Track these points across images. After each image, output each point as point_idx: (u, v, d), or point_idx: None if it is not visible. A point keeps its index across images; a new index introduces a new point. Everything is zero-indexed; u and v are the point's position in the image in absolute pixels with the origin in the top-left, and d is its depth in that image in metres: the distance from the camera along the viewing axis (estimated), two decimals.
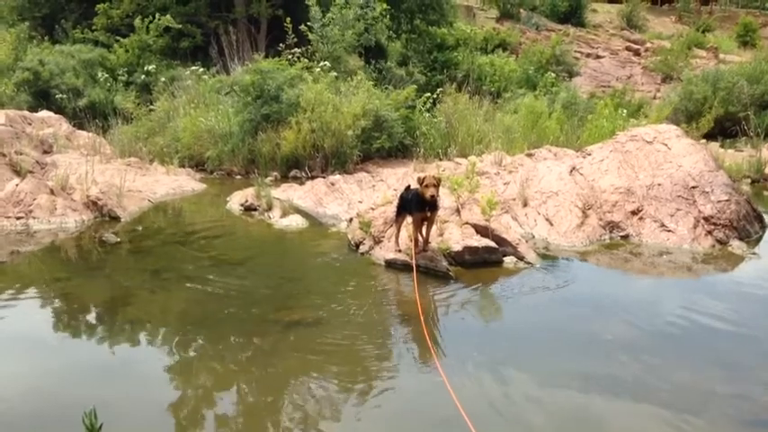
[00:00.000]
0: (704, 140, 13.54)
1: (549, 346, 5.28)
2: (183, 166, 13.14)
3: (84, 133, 14.68)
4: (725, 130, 16.36)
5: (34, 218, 8.85)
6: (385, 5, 16.97)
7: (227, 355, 5.15)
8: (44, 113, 15.31)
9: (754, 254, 7.64)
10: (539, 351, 5.17)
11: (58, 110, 16.43)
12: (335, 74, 13.79)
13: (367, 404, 4.41)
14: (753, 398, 4.49)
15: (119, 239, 8.26)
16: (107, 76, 18.00)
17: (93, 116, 15.96)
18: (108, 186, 9.82)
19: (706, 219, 8.02)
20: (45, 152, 12.29)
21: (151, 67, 17.72)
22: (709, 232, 7.91)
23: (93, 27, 20.87)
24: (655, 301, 6.39)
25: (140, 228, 9.06)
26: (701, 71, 21.67)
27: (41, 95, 17.48)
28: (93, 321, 5.77)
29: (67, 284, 6.77)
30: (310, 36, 15.73)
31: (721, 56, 30.51)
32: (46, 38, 20.84)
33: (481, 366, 4.84)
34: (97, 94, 17.53)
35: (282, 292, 6.67)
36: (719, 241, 7.82)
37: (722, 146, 14.79)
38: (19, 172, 9.81)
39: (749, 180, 11.76)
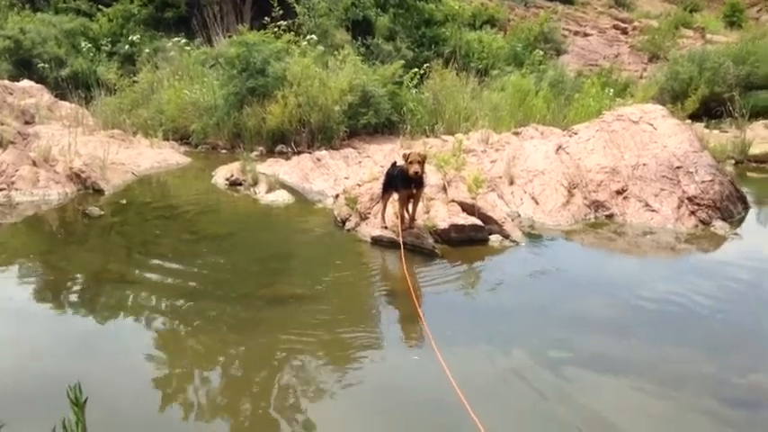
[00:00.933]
0: (689, 121, 13.63)
1: (534, 324, 5.32)
2: (168, 139, 13.03)
3: (66, 104, 14.50)
4: (710, 111, 16.44)
5: (16, 189, 8.75)
6: None
7: (210, 331, 5.14)
8: (25, 83, 15.10)
9: (736, 234, 7.72)
10: (524, 329, 5.20)
11: (40, 80, 16.20)
12: (322, 48, 13.66)
13: (353, 381, 4.42)
14: (733, 376, 4.56)
15: (102, 212, 8.19)
16: (90, 45, 17.74)
17: (76, 87, 15.77)
18: (91, 158, 9.73)
19: (690, 199, 8.08)
20: (27, 123, 12.14)
21: (135, 38, 17.48)
22: (693, 212, 7.97)
23: None
24: (638, 280, 6.44)
25: (124, 201, 8.99)
26: (687, 51, 21.72)
27: (23, 64, 17.22)
28: (76, 295, 5.72)
29: (50, 257, 6.71)
30: (297, 8, 15.56)
31: (708, 36, 30.57)
32: (27, 6, 20.45)
33: (467, 343, 4.87)
34: (80, 64, 17.29)
35: (267, 268, 6.65)
36: (703, 221, 7.89)
37: (707, 126, 14.88)
38: (0, 143, 9.67)
39: (733, 161, 11.85)
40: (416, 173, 6.59)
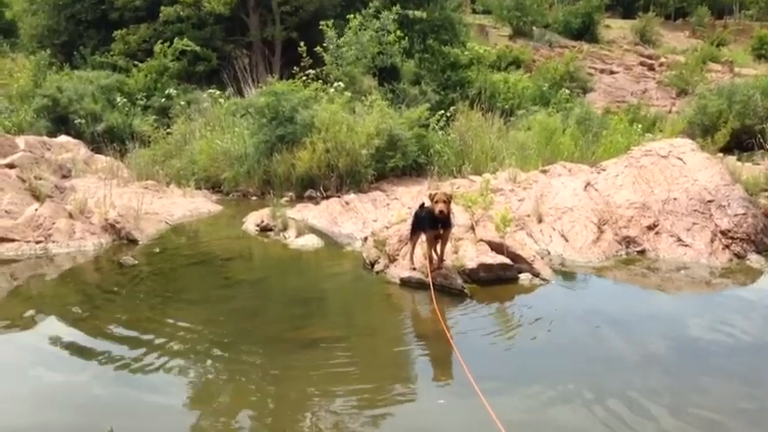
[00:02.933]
0: (721, 154, 13.46)
1: (570, 364, 5.23)
2: (200, 188, 13.27)
3: (102, 157, 14.88)
4: (741, 144, 16.25)
5: (53, 242, 8.95)
6: (399, 30, 17.14)
7: (244, 376, 5.17)
8: (63, 138, 15.56)
9: None
10: (560, 369, 5.11)
11: (77, 135, 16.67)
12: (350, 94, 13.90)
13: (390, 424, 4.39)
14: None
15: (136, 262, 8.34)
16: (125, 100, 18.26)
17: (111, 140, 16.21)
18: (126, 209, 9.94)
19: (723, 233, 7.96)
20: (64, 177, 12.48)
21: (172, 91, 17.95)
22: (727, 246, 7.84)
23: (112, 53, 21.24)
24: (674, 316, 6.32)
25: (158, 249, 9.14)
26: (715, 85, 21.60)
27: (60, 121, 17.75)
28: (111, 345, 5.79)
29: (85, 307, 6.81)
30: (325, 58, 15.89)
31: (736, 69, 30.40)
32: (65, 64, 21.21)
33: (503, 385, 4.81)
34: (115, 118, 17.78)
35: (299, 312, 6.68)
36: (737, 255, 7.75)
37: (739, 159, 14.65)
38: (38, 197, 9.95)
39: (767, 193, 11.63)
40: (441, 212, 6.62)
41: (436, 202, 6.63)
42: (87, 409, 4.74)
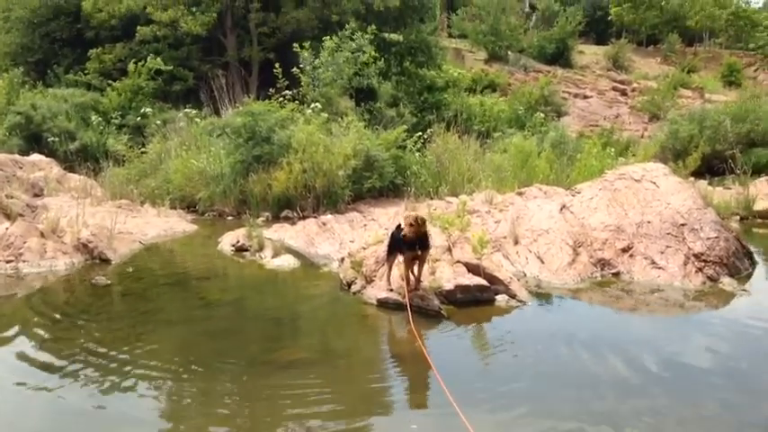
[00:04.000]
0: (692, 178, 13.70)
1: (544, 386, 5.23)
2: (175, 208, 13.16)
3: (75, 176, 14.71)
4: (712, 168, 16.55)
5: (24, 261, 8.80)
6: (375, 51, 17.27)
7: (218, 397, 5.08)
8: (35, 157, 15.37)
9: (744, 290, 7.64)
10: (534, 391, 5.11)
11: (50, 153, 16.49)
12: (326, 115, 13.92)
13: None
14: None
15: (109, 282, 8.21)
16: (100, 119, 18.10)
17: (85, 159, 16.06)
18: (99, 229, 9.80)
19: (696, 256, 8.05)
20: (36, 195, 12.31)
21: (147, 110, 17.86)
22: (700, 269, 7.93)
23: (86, 71, 21.10)
24: (648, 339, 6.36)
25: (131, 269, 9.02)
26: (687, 110, 22.02)
27: (33, 139, 17.54)
28: (82, 365, 5.67)
29: (55, 328, 6.68)
30: (302, 79, 15.93)
31: (707, 95, 31.05)
32: (38, 82, 21.01)
33: (480, 406, 4.78)
34: (89, 137, 17.61)
35: (275, 333, 6.62)
36: (710, 278, 7.84)
37: (710, 184, 14.94)
38: (9, 215, 9.78)
39: (738, 217, 11.84)
40: (412, 235, 6.61)
41: (409, 224, 6.62)
42: (56, 429, 4.62)
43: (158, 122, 16.40)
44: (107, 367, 5.62)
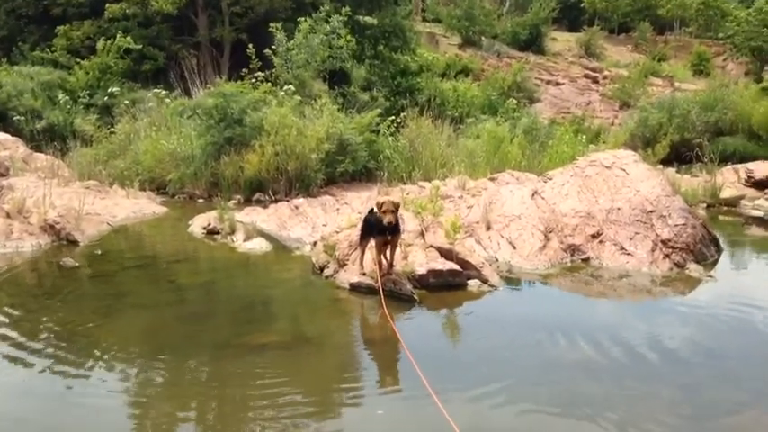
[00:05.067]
0: (661, 166, 13.89)
1: (516, 370, 5.29)
2: (144, 190, 12.98)
3: (41, 156, 14.43)
4: (680, 156, 16.77)
5: None
6: (348, 33, 17.15)
7: (188, 381, 5.05)
8: (0, 136, 15.01)
9: (710, 276, 7.80)
10: (506, 375, 5.16)
11: (16, 132, 16.11)
12: (299, 98, 13.81)
13: (334, 430, 4.36)
14: (709, 418, 4.57)
15: (77, 264, 8.08)
16: (67, 98, 17.72)
17: (52, 139, 15.73)
18: (66, 210, 9.64)
19: (664, 242, 8.18)
20: (1, 175, 12.05)
21: (115, 90, 17.53)
22: (667, 255, 8.06)
23: (53, 49, 20.63)
24: (615, 324, 6.47)
25: (99, 252, 8.90)
26: (657, 99, 22.28)
27: None
28: (49, 348, 5.59)
29: (21, 310, 6.57)
30: (275, 60, 15.77)
31: (677, 84, 31.42)
32: (3, 60, 20.49)
33: (451, 389, 4.81)
34: (56, 116, 17.24)
35: (246, 317, 6.58)
36: (677, 264, 7.97)
37: (678, 171, 15.16)
38: None
39: (705, 205, 12.05)
40: (390, 222, 6.61)
41: (384, 212, 6.59)
42: (21, 413, 4.56)
43: (127, 102, 16.11)
44: (74, 350, 5.55)
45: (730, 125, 19.30)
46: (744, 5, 40.40)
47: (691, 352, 5.67)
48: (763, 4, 32.71)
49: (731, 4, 43.70)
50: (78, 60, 19.79)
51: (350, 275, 7.30)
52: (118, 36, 19.47)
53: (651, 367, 5.31)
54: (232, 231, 9.50)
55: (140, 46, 19.80)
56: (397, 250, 7.20)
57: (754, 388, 5.02)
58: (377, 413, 4.60)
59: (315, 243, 8.54)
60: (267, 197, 12.28)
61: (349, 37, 17.18)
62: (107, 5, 20.51)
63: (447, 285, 7.13)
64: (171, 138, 13.49)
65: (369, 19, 20.12)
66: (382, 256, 6.98)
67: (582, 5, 45.95)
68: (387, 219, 6.58)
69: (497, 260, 8.26)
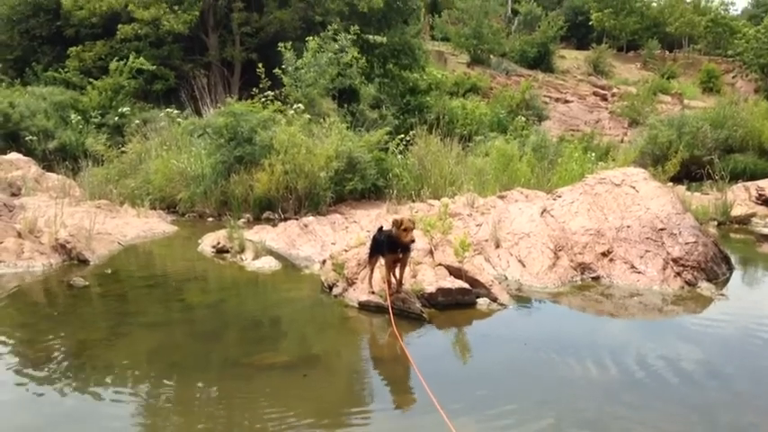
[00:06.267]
0: (671, 183, 13.83)
1: (525, 389, 5.25)
2: (155, 209, 13.05)
3: (53, 175, 14.55)
4: (690, 174, 16.72)
5: (0, 261, 8.67)
6: (357, 52, 17.28)
7: (197, 401, 5.04)
8: (13, 156, 15.19)
9: (722, 295, 7.73)
10: (516, 394, 5.13)
11: (28, 152, 16.30)
12: (309, 116, 13.89)
13: None
14: None
15: (87, 283, 8.11)
16: (79, 118, 17.91)
17: (64, 158, 15.89)
18: (77, 229, 9.69)
19: (675, 260, 8.13)
20: (13, 194, 12.16)
21: (125, 110, 17.71)
22: (678, 274, 8.01)
23: (66, 69, 20.87)
24: (627, 343, 6.40)
25: (109, 271, 8.93)
26: (666, 116, 22.26)
27: (11, 138, 17.33)
28: (59, 368, 5.60)
29: (33, 330, 6.59)
30: (284, 79, 15.88)
31: (686, 101, 31.40)
32: (15, 80, 20.75)
33: (462, 408, 4.78)
34: (68, 136, 17.43)
35: (255, 336, 6.58)
36: (688, 283, 7.91)
37: (688, 189, 15.10)
38: None
39: (716, 222, 11.98)
40: (412, 240, 6.64)
41: (406, 230, 6.60)
42: (29, 430, 4.56)
43: (138, 122, 16.25)
44: (83, 369, 5.56)
45: (740, 142, 19.26)
46: (752, 23, 40.42)
47: (704, 372, 5.60)
48: None
49: (740, 21, 43.75)
50: (91, 80, 20.02)
51: (359, 294, 7.29)
52: (131, 57, 19.69)
53: (664, 388, 5.25)
54: (241, 250, 9.52)
55: (153, 66, 20.01)
56: (407, 269, 7.19)
57: (766, 408, 4.96)
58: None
59: (324, 261, 8.53)
60: (276, 216, 12.31)
61: (358, 55, 17.29)
62: (119, 26, 20.77)
63: (456, 304, 7.10)
64: (181, 157, 13.58)
65: (378, 38, 20.28)
66: (391, 275, 6.97)
67: (590, 24, 46.13)
68: (409, 237, 6.60)
69: (507, 278, 8.22)
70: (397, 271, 7.01)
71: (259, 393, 5.11)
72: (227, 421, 4.73)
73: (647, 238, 8.43)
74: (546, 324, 7.06)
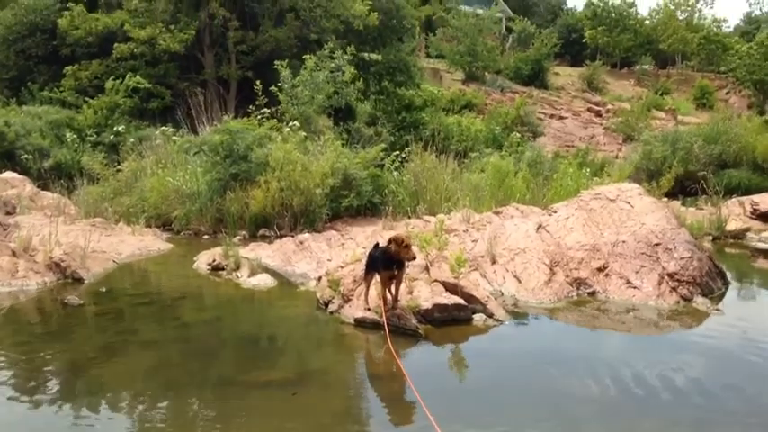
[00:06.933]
0: (665, 199, 13.88)
1: (522, 404, 5.23)
2: (150, 227, 13.02)
3: (48, 194, 14.54)
4: (685, 189, 16.80)
5: None
6: (354, 70, 17.38)
7: (193, 419, 5.00)
8: (8, 174, 15.17)
9: (718, 310, 7.72)
10: (512, 410, 5.11)
11: (23, 171, 16.29)
12: (304, 134, 13.93)
13: None
14: None
15: (82, 301, 8.07)
16: (74, 136, 17.93)
17: (59, 177, 15.87)
18: (72, 247, 9.66)
19: (670, 275, 8.13)
20: (8, 213, 12.13)
21: (121, 128, 17.73)
22: (674, 289, 8.01)
23: (61, 88, 20.93)
24: (623, 358, 6.39)
25: (104, 289, 8.89)
26: (660, 132, 22.40)
27: (6, 156, 17.33)
28: (54, 387, 5.56)
29: (27, 348, 6.55)
30: (280, 97, 15.94)
31: (680, 117, 31.60)
32: (11, 100, 20.80)
33: (459, 426, 4.76)
34: (63, 154, 17.44)
35: (251, 353, 6.55)
36: (684, 297, 7.91)
37: (683, 204, 15.15)
38: None
39: (710, 237, 12.02)
40: (414, 257, 6.66)
41: (406, 246, 6.59)
42: None
43: (133, 140, 16.27)
44: (78, 388, 5.52)
45: (734, 158, 19.38)
46: (745, 39, 40.78)
47: (700, 387, 5.59)
48: (765, 38, 33.06)
49: (732, 37, 44.13)
50: (86, 99, 20.06)
51: (354, 310, 7.27)
52: (128, 75, 19.77)
53: (660, 403, 5.23)
54: (237, 267, 9.50)
55: (149, 85, 20.08)
56: (402, 285, 7.17)
57: (762, 423, 4.94)
58: None
59: (319, 278, 8.52)
60: (272, 233, 12.30)
61: (354, 73, 17.38)
62: (115, 45, 20.86)
63: (452, 320, 7.08)
64: (177, 175, 13.58)
65: (373, 56, 20.42)
66: (387, 291, 6.96)
67: (584, 41, 46.48)
68: (410, 254, 6.60)
69: (503, 294, 8.21)
70: (393, 287, 7.00)
71: (255, 411, 5.08)
72: None
73: (643, 254, 8.44)
74: (542, 339, 7.05)
